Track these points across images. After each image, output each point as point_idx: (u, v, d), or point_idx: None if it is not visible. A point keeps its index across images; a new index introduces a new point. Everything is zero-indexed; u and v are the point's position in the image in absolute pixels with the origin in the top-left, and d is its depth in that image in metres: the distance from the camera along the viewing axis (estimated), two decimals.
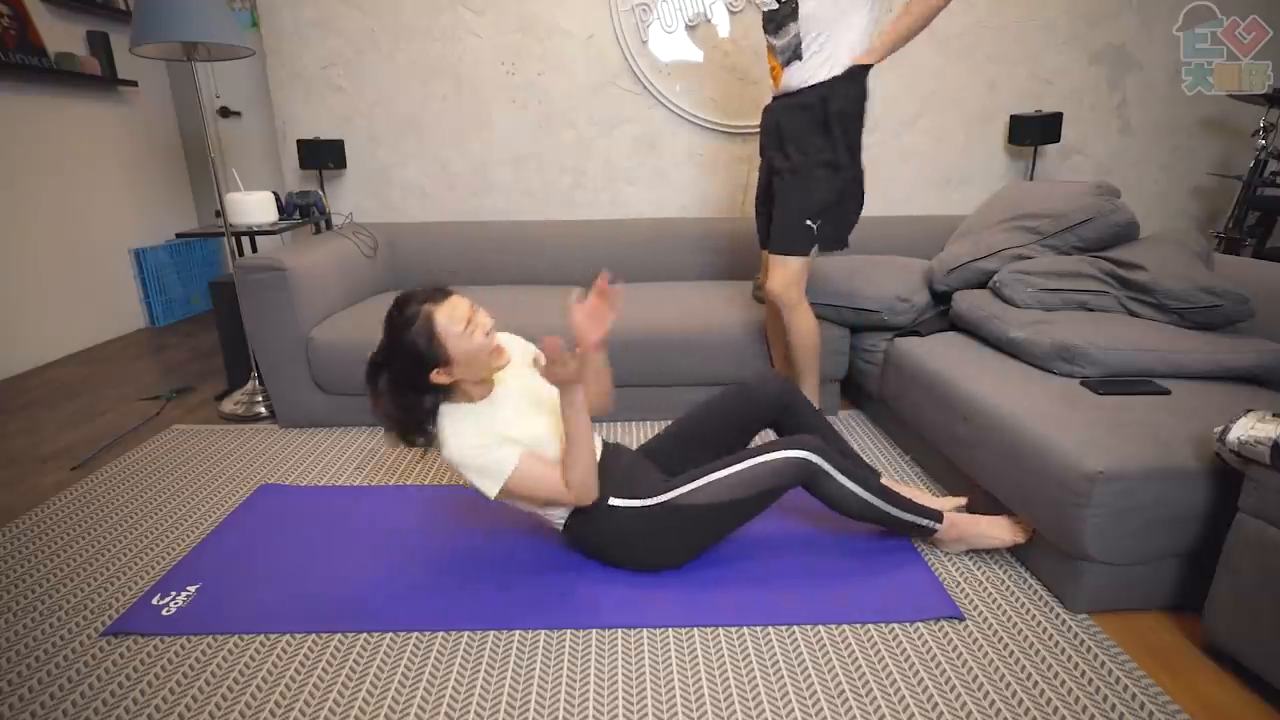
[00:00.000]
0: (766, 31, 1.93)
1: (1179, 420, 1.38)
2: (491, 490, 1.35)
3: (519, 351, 1.54)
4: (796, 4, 1.77)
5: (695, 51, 2.92)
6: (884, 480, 1.57)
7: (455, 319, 1.32)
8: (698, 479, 1.43)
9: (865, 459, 2.04)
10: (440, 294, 1.35)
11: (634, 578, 1.47)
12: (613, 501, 1.45)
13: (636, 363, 2.24)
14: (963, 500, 1.67)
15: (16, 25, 3.01)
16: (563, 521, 1.48)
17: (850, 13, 1.79)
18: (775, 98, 1.99)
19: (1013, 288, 1.92)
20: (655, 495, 1.44)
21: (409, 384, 1.35)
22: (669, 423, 1.71)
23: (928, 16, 1.79)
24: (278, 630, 1.33)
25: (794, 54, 1.84)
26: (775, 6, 1.84)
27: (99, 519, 1.75)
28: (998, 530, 1.52)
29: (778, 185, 1.97)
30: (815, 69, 1.84)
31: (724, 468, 1.42)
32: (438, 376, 1.33)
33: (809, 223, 1.90)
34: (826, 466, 1.41)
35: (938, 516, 1.50)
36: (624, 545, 1.47)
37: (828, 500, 1.45)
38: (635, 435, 2.24)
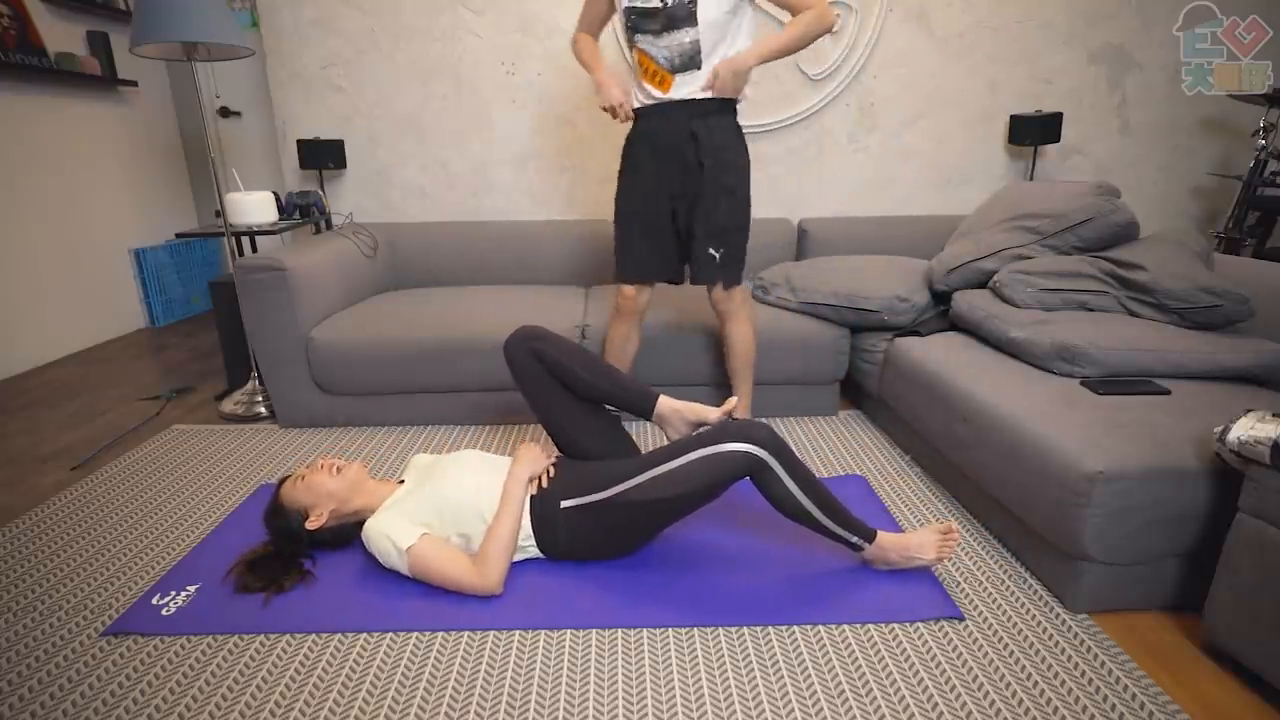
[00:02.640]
0: (641, 30, 1.75)
1: (1179, 420, 1.38)
2: (399, 563, 1.42)
3: (432, 461, 1.67)
4: (695, 8, 1.69)
5: None
6: None
7: (297, 482, 1.53)
8: (647, 471, 1.42)
9: (866, 459, 2.05)
10: (282, 481, 1.57)
11: (633, 578, 1.47)
12: (564, 504, 1.48)
13: (662, 361, 2.26)
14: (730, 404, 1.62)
15: (16, 25, 3.01)
16: (534, 544, 1.51)
17: (743, 21, 1.78)
18: (667, 105, 1.81)
19: (1013, 288, 1.92)
20: (605, 489, 1.45)
21: (299, 544, 1.53)
22: None
23: (809, 37, 1.76)
24: (278, 630, 1.33)
25: (690, 62, 1.76)
26: (658, 5, 1.71)
27: (99, 519, 1.75)
28: (925, 550, 1.46)
29: (710, 206, 1.85)
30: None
31: (669, 461, 1.40)
32: (314, 524, 1.50)
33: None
34: (774, 465, 1.38)
35: (870, 536, 1.45)
36: (585, 541, 1.49)
37: (767, 494, 1.42)
38: (660, 436, 2.24)
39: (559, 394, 1.65)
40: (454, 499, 1.47)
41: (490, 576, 1.40)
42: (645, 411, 1.64)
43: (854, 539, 1.45)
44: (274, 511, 1.53)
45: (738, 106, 1.87)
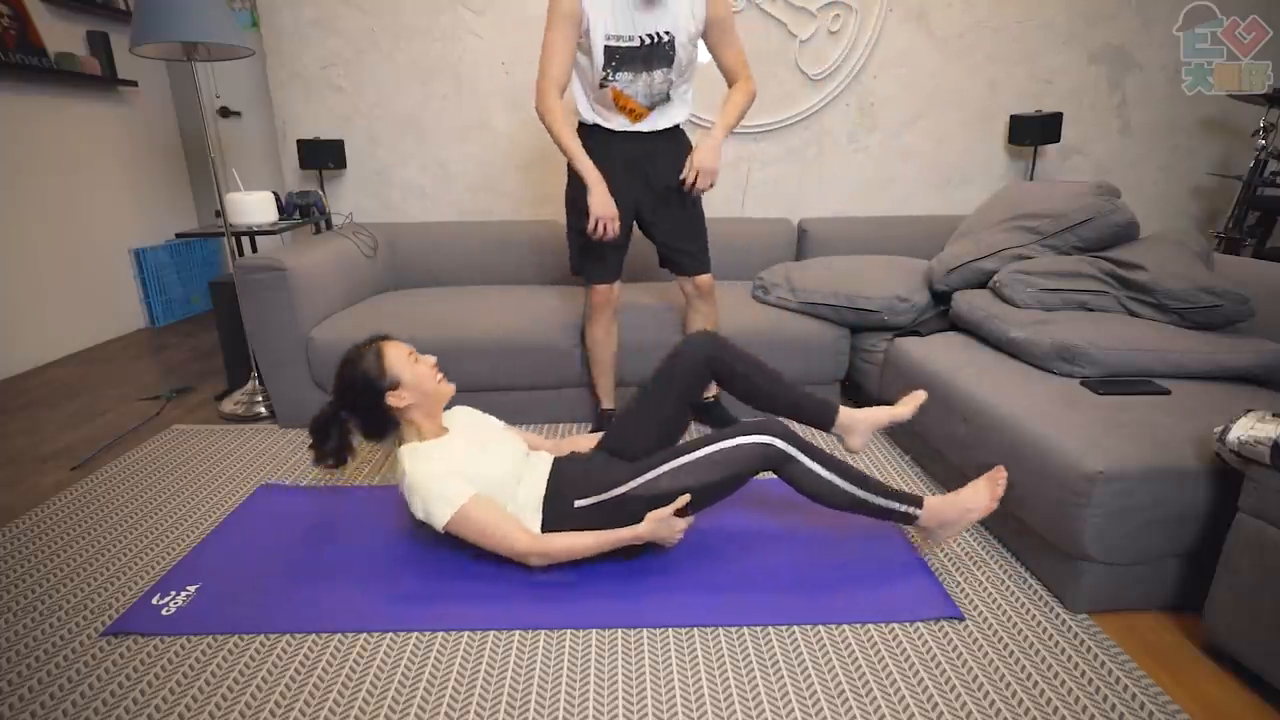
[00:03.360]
0: (624, 69, 1.81)
1: (1179, 420, 1.38)
2: (441, 518, 1.41)
3: (467, 417, 1.67)
4: (674, 51, 1.80)
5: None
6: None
7: (400, 350, 1.52)
8: (661, 465, 1.44)
9: (865, 459, 2.05)
10: (383, 336, 1.56)
11: (633, 578, 1.47)
12: (577, 503, 1.47)
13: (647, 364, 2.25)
14: (916, 399, 1.63)
15: (16, 25, 3.01)
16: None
17: (695, 58, 1.89)
18: (634, 133, 1.92)
19: (1013, 288, 1.92)
20: (618, 486, 1.45)
21: (368, 411, 1.51)
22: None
23: (745, 113, 1.94)
24: (278, 630, 1.33)
25: (664, 98, 1.89)
26: (636, 44, 1.79)
27: (99, 519, 1.75)
28: (977, 497, 1.43)
29: (676, 215, 2.01)
30: (679, 111, 1.96)
31: (687, 453, 1.43)
32: (393, 398, 1.47)
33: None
34: (792, 451, 1.40)
35: (918, 502, 1.44)
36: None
37: (799, 486, 1.43)
38: None
39: (680, 400, 1.61)
40: (499, 477, 1.47)
41: (544, 548, 1.41)
42: (826, 423, 1.60)
43: (904, 508, 1.43)
44: (370, 361, 1.48)
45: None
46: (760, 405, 1.61)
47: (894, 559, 1.54)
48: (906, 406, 1.61)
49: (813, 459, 1.42)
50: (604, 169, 1.86)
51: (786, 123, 3.00)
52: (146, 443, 2.21)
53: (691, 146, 1.96)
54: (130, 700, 1.17)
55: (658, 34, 1.77)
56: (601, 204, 1.83)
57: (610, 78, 1.82)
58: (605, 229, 1.84)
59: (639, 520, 1.42)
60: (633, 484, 1.44)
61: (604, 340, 2.12)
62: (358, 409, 1.52)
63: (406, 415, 1.51)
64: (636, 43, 1.78)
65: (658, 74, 1.83)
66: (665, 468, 1.43)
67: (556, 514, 1.48)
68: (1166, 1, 2.91)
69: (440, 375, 1.55)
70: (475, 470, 1.45)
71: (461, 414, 1.68)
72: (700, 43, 1.88)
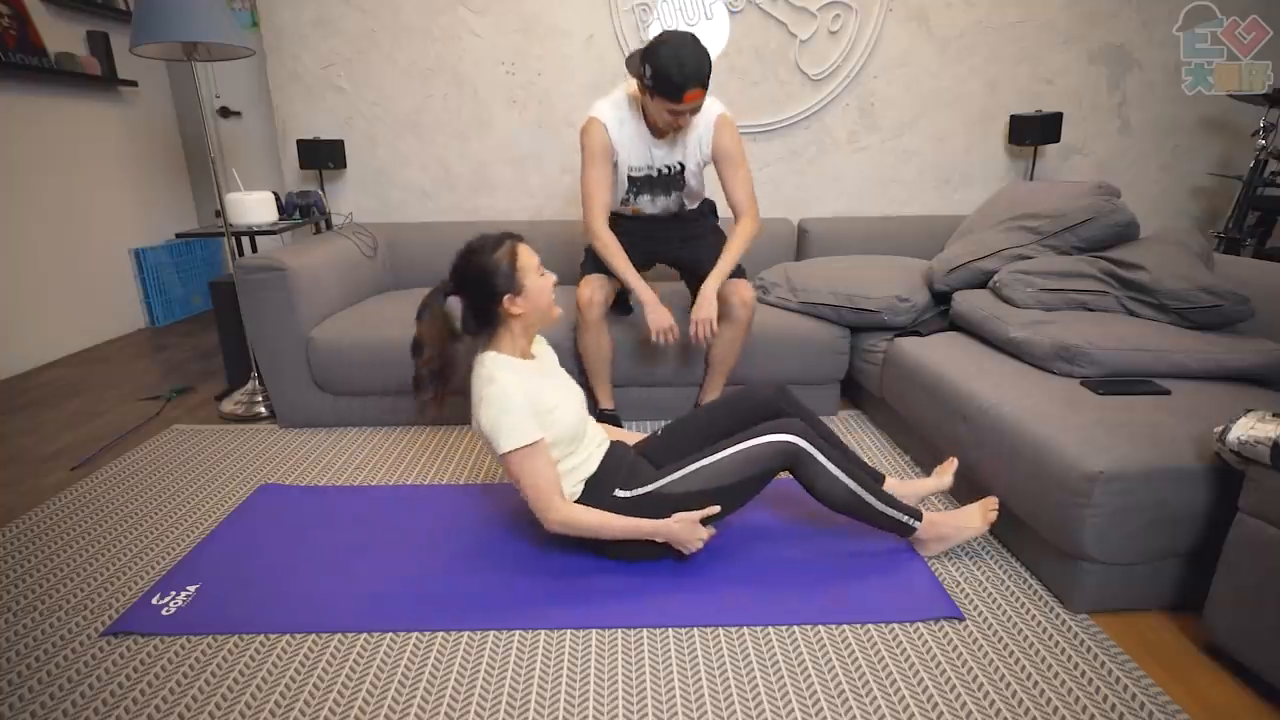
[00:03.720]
0: (644, 192, 2.09)
1: (1179, 420, 1.38)
2: (504, 447, 1.36)
3: (549, 357, 1.63)
4: (684, 179, 2.08)
5: None
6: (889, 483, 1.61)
7: (532, 259, 1.45)
8: (685, 467, 1.45)
9: (866, 459, 2.04)
10: (517, 237, 1.47)
11: (633, 578, 1.47)
12: (617, 493, 1.47)
13: (642, 365, 2.25)
14: (951, 466, 1.66)
15: (16, 25, 3.01)
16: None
17: (703, 181, 2.16)
18: (650, 217, 2.18)
19: (1013, 288, 1.92)
20: (646, 484, 1.46)
21: (479, 305, 1.44)
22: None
23: (747, 246, 2.08)
24: (278, 630, 1.33)
25: (677, 211, 2.17)
26: (654, 175, 2.06)
27: (99, 519, 1.75)
28: (972, 519, 1.52)
29: (695, 249, 2.20)
30: (691, 203, 2.21)
31: (710, 455, 1.45)
32: (509, 303, 1.41)
33: None
34: (811, 450, 1.43)
35: (918, 515, 1.50)
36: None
37: (812, 487, 1.46)
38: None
39: (717, 436, 1.55)
40: (567, 432, 1.45)
41: (575, 520, 1.40)
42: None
43: (906, 518, 1.48)
44: (502, 258, 1.40)
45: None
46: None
47: (894, 559, 1.54)
48: (947, 475, 1.67)
49: (828, 459, 1.44)
50: (626, 241, 2.07)
51: (786, 123, 3.00)
52: (146, 443, 2.21)
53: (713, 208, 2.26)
54: (130, 700, 1.17)
55: (670, 165, 2.05)
56: (657, 319, 1.99)
57: (632, 199, 2.12)
58: (666, 338, 2.01)
59: (666, 515, 1.44)
60: (663, 481, 1.45)
61: (595, 348, 2.13)
62: (471, 299, 1.45)
63: (510, 324, 1.45)
64: (654, 173, 2.06)
65: (672, 196, 2.12)
66: (694, 466, 1.45)
67: (595, 496, 1.47)
68: (1166, 1, 2.91)
69: (553, 299, 1.48)
70: (552, 416, 1.42)
71: (544, 347, 1.62)
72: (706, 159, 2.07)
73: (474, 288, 1.43)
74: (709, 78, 1.82)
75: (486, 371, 1.40)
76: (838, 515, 1.49)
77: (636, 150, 2.01)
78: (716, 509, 1.44)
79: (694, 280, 2.18)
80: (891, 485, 1.64)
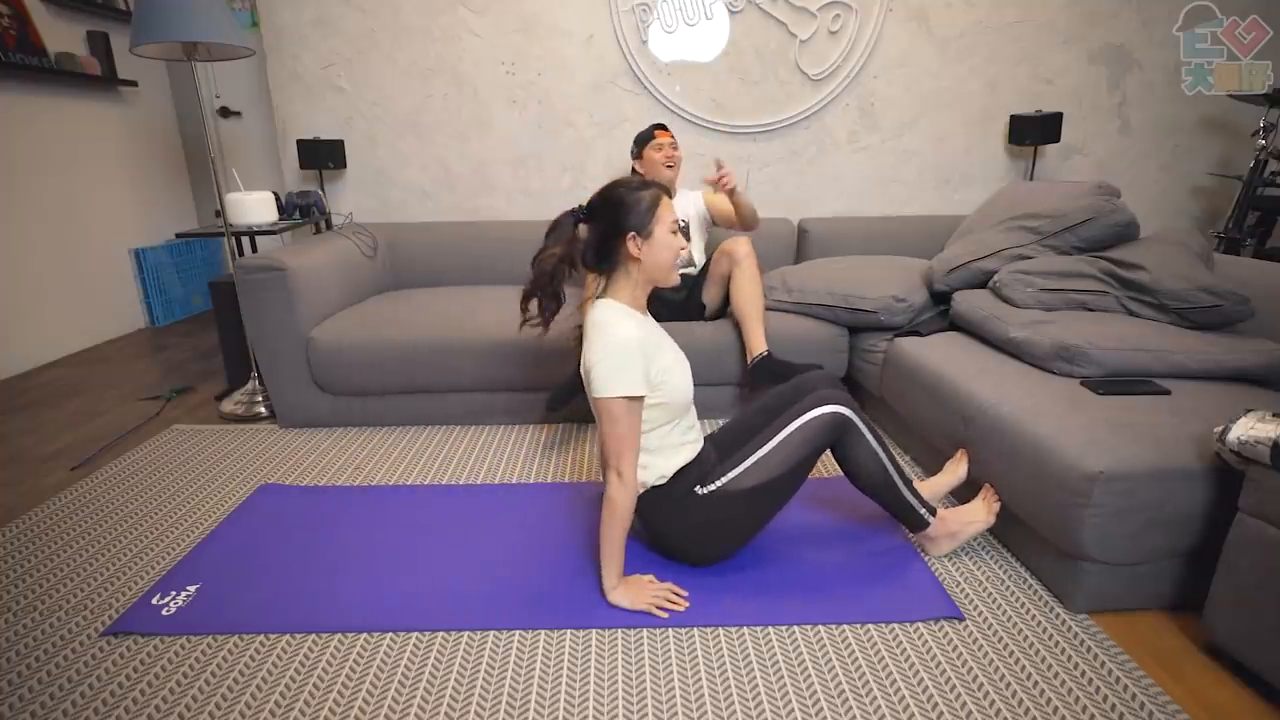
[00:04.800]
0: None
1: (1179, 420, 1.38)
2: (605, 390, 1.32)
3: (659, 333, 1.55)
4: (689, 233, 2.42)
5: (695, 51, 2.93)
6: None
7: (671, 212, 1.41)
8: (746, 459, 1.44)
9: None
10: (665, 189, 1.44)
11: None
12: (697, 489, 1.44)
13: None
14: (963, 457, 1.68)
15: (16, 25, 3.01)
16: (644, 486, 1.45)
17: (703, 229, 2.51)
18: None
19: (1013, 288, 1.92)
20: (711, 482, 1.44)
21: (605, 236, 1.41)
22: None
23: (751, 216, 2.34)
24: (278, 630, 1.33)
25: (685, 264, 2.38)
26: None
27: (99, 519, 1.75)
28: (978, 513, 1.55)
29: (705, 289, 2.35)
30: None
31: (766, 443, 1.43)
32: (632, 242, 1.37)
33: None
34: (858, 421, 1.44)
35: (934, 511, 1.52)
36: (686, 533, 1.47)
37: (847, 459, 1.46)
38: None
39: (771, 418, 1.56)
40: (679, 403, 1.43)
41: (626, 485, 1.34)
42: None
43: (924, 511, 1.49)
44: (644, 200, 1.37)
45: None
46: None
47: (894, 559, 1.54)
48: (961, 465, 1.69)
49: (871, 433, 1.46)
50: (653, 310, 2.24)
51: (786, 123, 3.00)
52: (146, 443, 2.21)
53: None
54: (130, 700, 1.17)
55: (679, 221, 2.18)
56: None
57: None
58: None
59: (735, 511, 1.43)
60: (728, 477, 1.43)
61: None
62: (599, 229, 1.42)
63: (629, 268, 1.41)
64: None
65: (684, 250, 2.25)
66: (755, 458, 1.43)
67: (680, 488, 1.44)
68: (1166, 1, 2.91)
69: (677, 263, 1.44)
70: (666, 377, 1.39)
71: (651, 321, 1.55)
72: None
73: (606, 216, 1.40)
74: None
75: (606, 315, 1.38)
76: (838, 516, 1.49)
77: None
78: (683, 600, 1.40)
79: (718, 312, 2.35)
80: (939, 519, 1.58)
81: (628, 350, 1.33)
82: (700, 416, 2.29)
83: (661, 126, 2.39)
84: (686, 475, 1.46)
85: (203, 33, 2.05)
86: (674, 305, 2.29)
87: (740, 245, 2.19)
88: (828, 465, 2.01)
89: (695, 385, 2.26)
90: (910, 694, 1.17)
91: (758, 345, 2.16)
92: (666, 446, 1.46)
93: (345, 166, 2.99)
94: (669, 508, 1.46)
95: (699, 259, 2.46)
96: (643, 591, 1.39)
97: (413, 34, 2.89)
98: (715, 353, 2.25)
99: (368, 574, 1.50)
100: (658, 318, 2.26)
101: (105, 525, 1.72)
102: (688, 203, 2.44)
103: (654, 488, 1.45)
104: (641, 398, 1.35)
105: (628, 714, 1.14)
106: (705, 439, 1.60)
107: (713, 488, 1.44)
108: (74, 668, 1.25)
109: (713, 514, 1.44)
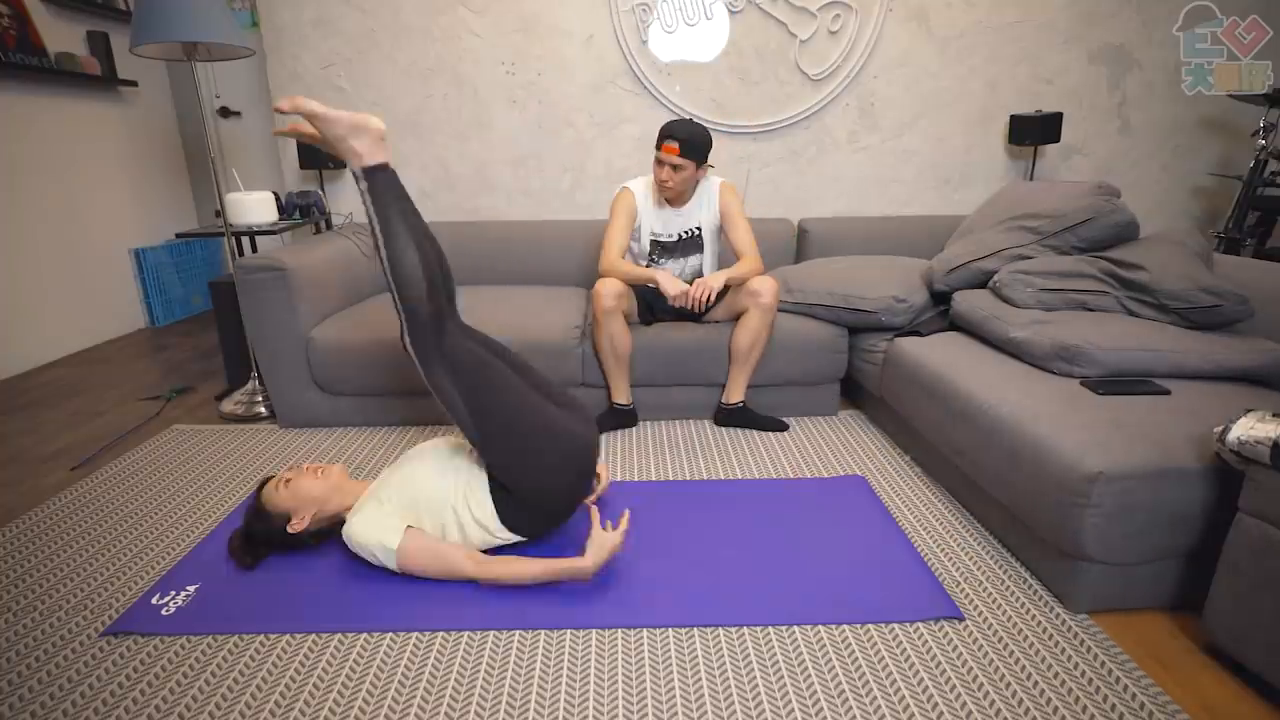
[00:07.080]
0: (665, 257, 2.30)
1: (1179, 420, 1.38)
2: (390, 564, 1.43)
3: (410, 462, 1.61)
4: (703, 243, 2.29)
5: (695, 51, 2.93)
6: None
7: (271, 485, 1.55)
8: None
9: (866, 459, 2.05)
10: (262, 481, 1.59)
11: (633, 578, 1.47)
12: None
13: (660, 365, 2.26)
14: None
15: (16, 25, 3.01)
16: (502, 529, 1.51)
17: (719, 243, 2.36)
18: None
19: (1013, 288, 1.92)
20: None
21: (291, 548, 1.56)
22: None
23: (744, 279, 2.17)
24: (278, 630, 1.33)
25: (696, 275, 2.33)
26: (675, 240, 2.28)
27: (99, 519, 1.75)
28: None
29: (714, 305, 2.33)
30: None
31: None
32: (297, 526, 1.51)
33: None
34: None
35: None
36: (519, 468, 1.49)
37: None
38: (665, 432, 2.24)
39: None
40: (427, 494, 1.48)
41: (488, 573, 1.41)
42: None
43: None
44: (256, 515, 1.54)
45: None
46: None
47: (894, 559, 1.54)
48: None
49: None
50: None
51: (786, 123, 3.00)
52: (146, 443, 2.21)
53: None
54: (130, 700, 1.17)
55: (689, 230, 2.27)
56: (671, 285, 2.11)
57: (656, 263, 2.31)
58: (690, 301, 2.09)
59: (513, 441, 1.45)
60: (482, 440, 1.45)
61: (615, 341, 2.14)
62: (284, 551, 1.56)
63: (321, 518, 1.55)
64: (675, 238, 2.28)
65: (693, 259, 2.32)
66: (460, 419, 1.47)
67: (511, 481, 1.47)
68: (1166, 1, 2.91)
69: (319, 468, 1.58)
70: (404, 501, 1.48)
71: (402, 461, 1.63)
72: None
73: (266, 547, 1.56)
74: (687, 144, 2.06)
75: (347, 536, 1.48)
76: (838, 516, 1.49)
77: (658, 217, 2.26)
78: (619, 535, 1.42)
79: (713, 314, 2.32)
80: None
81: (364, 533, 1.44)
82: (687, 416, 2.35)
83: (669, 137, 2.07)
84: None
85: (203, 33, 2.05)
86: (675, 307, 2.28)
87: (768, 294, 2.11)
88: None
89: (683, 386, 2.31)
90: (910, 694, 1.17)
91: (737, 394, 2.25)
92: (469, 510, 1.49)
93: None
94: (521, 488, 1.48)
95: (709, 269, 2.34)
96: (604, 542, 1.39)
97: (413, 34, 2.89)
98: (714, 353, 2.25)
99: (367, 574, 1.50)
100: (659, 318, 2.27)
101: (105, 525, 1.72)
102: (701, 209, 2.25)
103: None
104: (409, 528, 1.44)
105: (628, 714, 1.14)
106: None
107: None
108: (74, 668, 1.25)
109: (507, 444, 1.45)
